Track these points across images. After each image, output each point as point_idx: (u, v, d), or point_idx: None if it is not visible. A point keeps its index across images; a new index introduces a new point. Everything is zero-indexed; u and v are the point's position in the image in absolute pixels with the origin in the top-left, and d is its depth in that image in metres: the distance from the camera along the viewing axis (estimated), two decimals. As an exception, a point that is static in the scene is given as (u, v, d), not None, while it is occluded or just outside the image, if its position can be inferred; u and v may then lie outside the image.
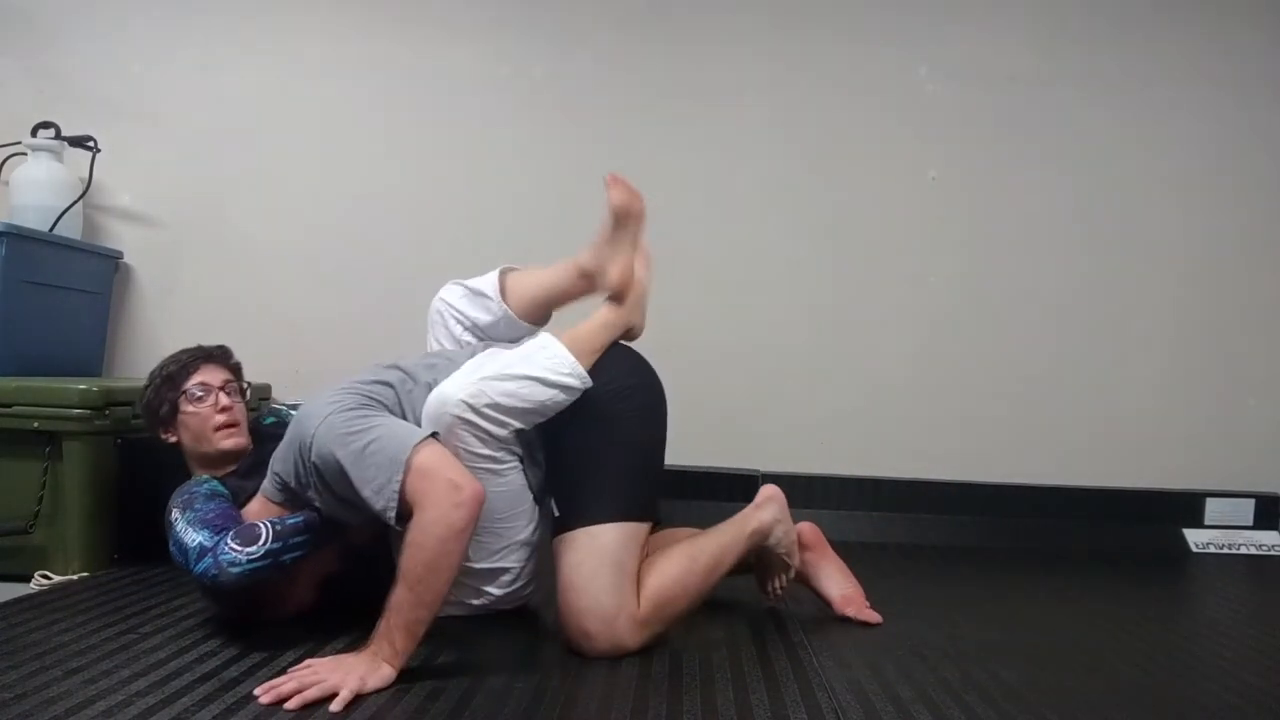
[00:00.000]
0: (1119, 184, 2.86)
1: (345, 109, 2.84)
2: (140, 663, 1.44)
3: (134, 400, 2.11)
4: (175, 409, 1.79)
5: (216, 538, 1.53)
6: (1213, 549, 2.77)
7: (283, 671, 1.41)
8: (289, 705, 1.28)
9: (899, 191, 2.85)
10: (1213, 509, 2.81)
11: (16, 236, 2.36)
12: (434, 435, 1.51)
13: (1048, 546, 2.70)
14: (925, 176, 2.85)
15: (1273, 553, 2.77)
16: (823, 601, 1.87)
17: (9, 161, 2.71)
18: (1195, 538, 2.79)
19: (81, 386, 2.05)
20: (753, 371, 2.82)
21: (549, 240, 2.82)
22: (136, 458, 2.12)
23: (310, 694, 1.30)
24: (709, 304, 2.82)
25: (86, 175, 2.67)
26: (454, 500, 1.41)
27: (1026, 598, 2.17)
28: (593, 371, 1.66)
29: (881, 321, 2.84)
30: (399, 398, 1.64)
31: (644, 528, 1.64)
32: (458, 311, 1.91)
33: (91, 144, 2.67)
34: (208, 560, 1.50)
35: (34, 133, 2.65)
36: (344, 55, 2.84)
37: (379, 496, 1.43)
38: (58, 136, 2.66)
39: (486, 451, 1.60)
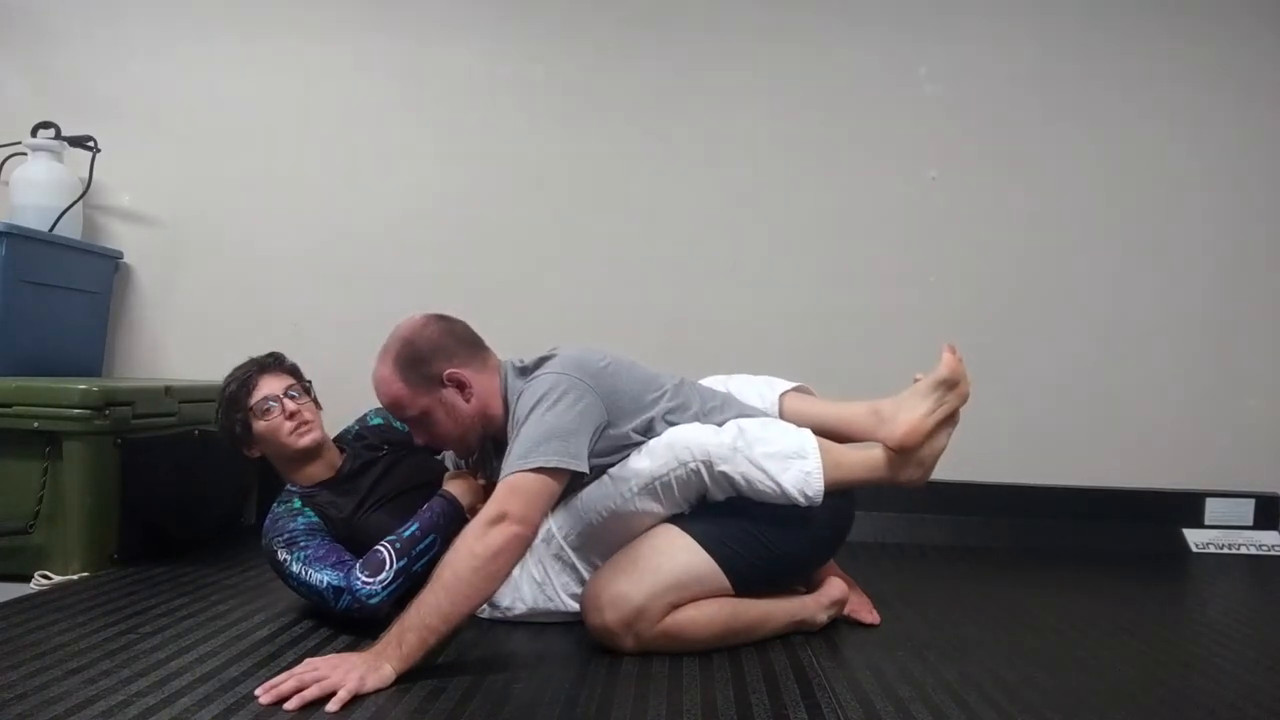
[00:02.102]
0: (1118, 184, 2.86)
1: (345, 109, 2.84)
2: (140, 663, 1.44)
3: (134, 400, 2.12)
4: (248, 427, 1.82)
5: (344, 575, 1.62)
6: (1213, 549, 2.77)
7: (283, 670, 1.41)
8: (288, 705, 1.28)
9: (899, 191, 2.85)
10: (1213, 509, 2.81)
11: (16, 236, 2.36)
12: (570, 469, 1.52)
13: (1048, 546, 2.70)
14: (925, 176, 2.85)
15: (1273, 553, 2.77)
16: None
17: (9, 161, 2.71)
18: (1195, 538, 2.79)
19: (81, 386, 2.05)
20: (752, 371, 2.81)
21: (550, 240, 2.85)
22: (136, 458, 2.12)
23: (309, 693, 1.29)
24: (709, 303, 2.82)
25: (86, 175, 2.67)
26: (519, 533, 1.44)
27: (1026, 598, 2.17)
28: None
29: (881, 321, 2.84)
30: (638, 402, 1.67)
31: (726, 587, 1.61)
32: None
33: (91, 144, 2.67)
34: (346, 599, 1.60)
35: (34, 133, 2.65)
36: (344, 55, 2.84)
37: (506, 462, 1.51)
38: (58, 136, 2.66)
39: (675, 496, 1.62)
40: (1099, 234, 2.86)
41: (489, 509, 1.45)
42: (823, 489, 1.61)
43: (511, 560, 1.46)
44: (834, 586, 1.80)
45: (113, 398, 2.06)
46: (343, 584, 1.61)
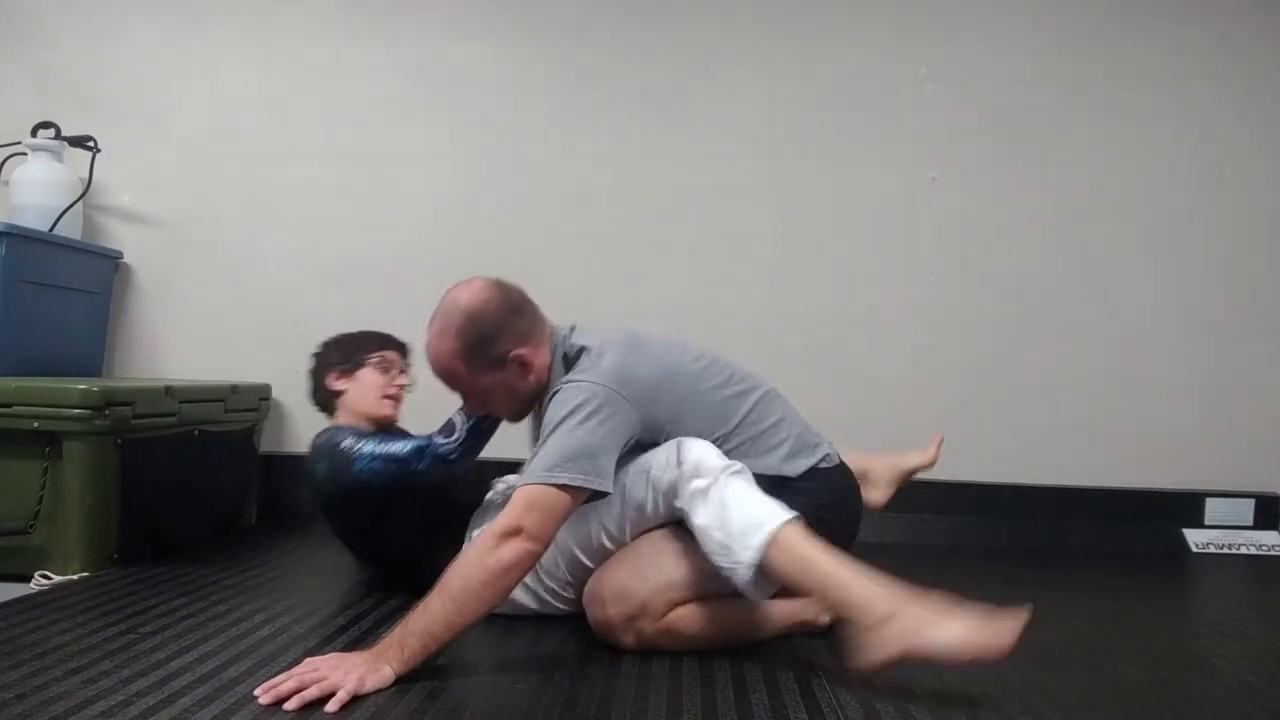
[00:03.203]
0: (1119, 184, 2.86)
1: (345, 109, 2.84)
2: (140, 663, 1.43)
3: (134, 400, 2.12)
4: (358, 365, 2.03)
5: (423, 440, 1.80)
6: (1213, 549, 2.77)
7: (283, 670, 1.41)
8: (288, 706, 1.27)
9: (899, 191, 2.85)
10: (1213, 509, 2.81)
11: (16, 236, 2.36)
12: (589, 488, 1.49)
13: (1048, 546, 2.70)
14: (925, 176, 2.85)
15: (1273, 553, 2.77)
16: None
17: (9, 161, 2.71)
18: (1195, 538, 2.79)
19: (81, 386, 2.05)
20: (752, 371, 2.82)
21: (550, 240, 2.85)
22: (136, 458, 2.12)
23: (309, 694, 1.29)
24: (708, 303, 2.81)
25: (86, 175, 2.67)
26: (531, 549, 1.43)
27: (1026, 598, 2.16)
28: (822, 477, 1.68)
29: (881, 321, 2.84)
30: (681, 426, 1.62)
31: (729, 586, 1.55)
32: None
33: (91, 144, 2.67)
34: (428, 458, 1.78)
35: (34, 133, 2.65)
36: (343, 55, 2.84)
37: (528, 469, 1.49)
38: (58, 136, 2.66)
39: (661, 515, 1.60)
40: (1099, 234, 2.86)
41: (504, 520, 1.44)
42: (753, 571, 1.46)
43: (520, 575, 1.45)
44: None
45: (113, 398, 2.06)
46: (424, 444, 1.78)
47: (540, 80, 2.84)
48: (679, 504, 1.55)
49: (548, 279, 2.86)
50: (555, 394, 1.58)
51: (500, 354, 1.63)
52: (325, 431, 1.93)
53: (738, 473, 1.55)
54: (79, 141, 2.67)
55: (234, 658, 1.48)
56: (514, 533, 1.42)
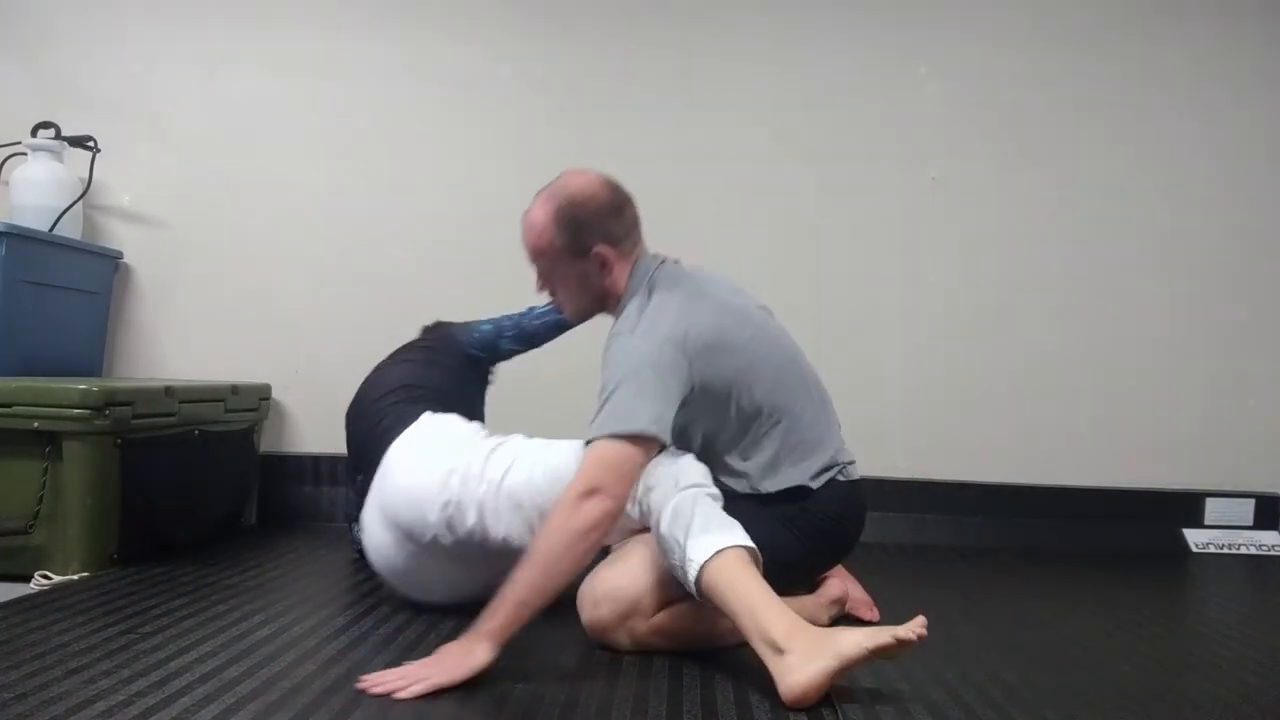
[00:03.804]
0: (1119, 184, 2.86)
1: (345, 109, 2.84)
2: (140, 663, 1.43)
3: (134, 400, 2.11)
4: None
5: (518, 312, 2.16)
6: (1213, 549, 2.77)
7: (283, 671, 1.42)
8: (374, 690, 1.34)
9: (899, 191, 2.85)
10: (1213, 509, 2.81)
11: (16, 236, 2.36)
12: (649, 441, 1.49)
13: (1048, 546, 2.71)
14: (925, 176, 2.85)
15: (1273, 553, 2.77)
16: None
17: (9, 161, 2.71)
18: (1195, 538, 2.79)
19: (81, 386, 2.05)
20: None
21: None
22: (136, 458, 2.12)
23: (394, 684, 1.34)
24: (709, 304, 2.81)
25: (86, 175, 2.67)
26: (610, 509, 1.43)
27: (1027, 597, 2.17)
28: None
29: (881, 321, 2.84)
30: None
31: None
32: None
33: (91, 144, 2.67)
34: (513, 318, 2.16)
35: (34, 133, 2.65)
36: (343, 55, 2.84)
37: (594, 420, 1.49)
38: (58, 136, 2.66)
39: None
40: (1099, 234, 2.86)
41: (580, 482, 1.44)
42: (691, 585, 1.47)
43: (603, 535, 1.46)
44: (833, 586, 1.79)
45: (113, 398, 2.06)
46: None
47: (540, 80, 2.84)
48: (653, 504, 1.54)
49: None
50: (618, 337, 1.58)
51: (589, 244, 1.65)
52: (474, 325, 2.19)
53: (712, 496, 1.56)
54: (79, 141, 2.67)
55: (234, 658, 1.48)
56: (591, 492, 1.43)
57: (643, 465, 1.50)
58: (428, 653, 1.45)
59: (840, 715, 1.34)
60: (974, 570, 2.45)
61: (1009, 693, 1.45)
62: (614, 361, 1.55)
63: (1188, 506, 2.81)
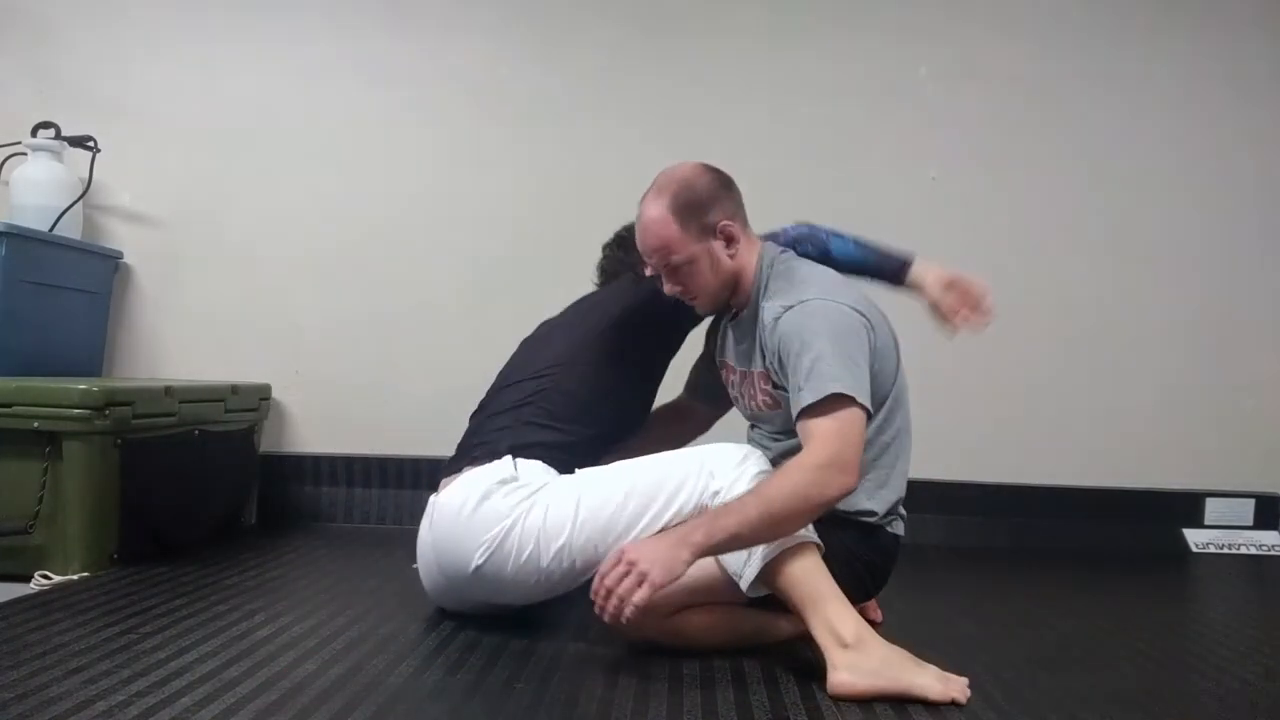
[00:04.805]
0: (1119, 184, 2.86)
1: (345, 109, 2.83)
2: (140, 663, 1.44)
3: (134, 400, 2.11)
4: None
5: None
6: (1213, 549, 2.77)
7: (283, 671, 1.41)
8: (607, 615, 1.39)
9: (899, 191, 2.85)
10: (1213, 509, 2.81)
11: (16, 236, 2.36)
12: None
13: (1048, 546, 2.71)
14: (925, 176, 2.85)
15: (1273, 553, 2.77)
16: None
17: (9, 161, 2.71)
18: (1195, 538, 2.79)
19: (81, 386, 2.05)
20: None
21: (550, 241, 2.84)
22: (136, 458, 2.12)
23: (611, 606, 1.38)
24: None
25: (86, 175, 2.67)
26: (848, 484, 1.44)
27: (1026, 597, 2.17)
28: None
29: (881, 321, 2.84)
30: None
31: (738, 596, 1.55)
32: None
33: (91, 144, 2.67)
34: None
35: (34, 133, 2.65)
36: (343, 56, 2.83)
37: (805, 386, 1.47)
38: (58, 136, 2.66)
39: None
40: (1099, 234, 2.86)
41: (824, 450, 1.44)
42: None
43: (834, 505, 1.47)
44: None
45: (113, 398, 2.06)
46: None
47: (539, 80, 2.84)
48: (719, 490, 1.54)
49: (549, 281, 2.88)
50: (793, 308, 1.56)
51: (712, 222, 1.64)
52: None
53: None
54: (79, 141, 2.67)
55: (234, 658, 1.48)
56: (833, 464, 1.43)
57: (864, 430, 1.50)
58: (428, 654, 1.46)
59: (840, 714, 1.34)
60: (973, 570, 2.45)
61: (1009, 693, 1.45)
62: (805, 325, 1.53)
63: (1188, 506, 2.81)
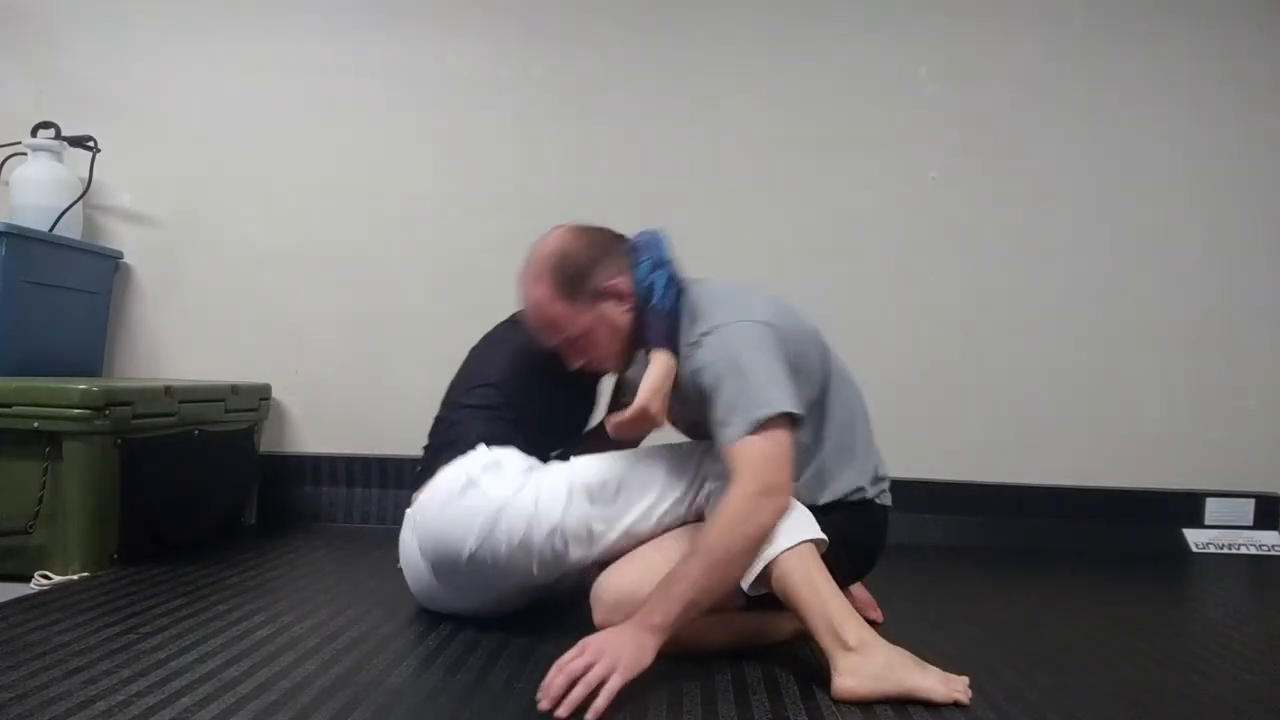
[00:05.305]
0: (1119, 184, 2.86)
1: (345, 109, 2.83)
2: (140, 663, 1.44)
3: (134, 400, 2.11)
4: None
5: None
6: (1213, 549, 2.77)
7: (283, 671, 1.41)
8: (559, 714, 1.27)
9: (899, 191, 2.85)
10: (1213, 509, 2.81)
11: (16, 236, 2.36)
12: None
13: (1048, 546, 2.71)
14: (925, 176, 2.85)
15: (1273, 553, 2.77)
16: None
17: (9, 161, 2.71)
18: (1195, 538, 2.79)
19: (81, 386, 2.05)
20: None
21: (549, 240, 2.85)
22: (136, 458, 2.12)
23: (576, 695, 1.28)
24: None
25: (86, 175, 2.67)
26: (783, 505, 1.45)
27: (1027, 598, 2.17)
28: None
29: (881, 321, 2.84)
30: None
31: (735, 596, 1.53)
32: None
33: (91, 144, 2.67)
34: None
35: (34, 133, 2.65)
36: (343, 55, 2.83)
37: (729, 421, 1.45)
38: (58, 136, 2.66)
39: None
40: (1099, 234, 2.86)
41: (751, 481, 1.43)
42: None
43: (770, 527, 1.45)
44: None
45: (113, 398, 2.06)
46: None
47: (539, 80, 2.84)
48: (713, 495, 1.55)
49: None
50: (708, 335, 1.53)
51: (597, 286, 1.62)
52: None
53: None
54: (79, 141, 2.67)
55: (234, 658, 1.48)
56: (764, 492, 1.43)
57: (793, 445, 1.48)
58: (428, 654, 1.46)
59: (840, 716, 1.34)
60: (974, 570, 2.45)
61: (1009, 693, 1.45)
62: (716, 357, 1.51)
63: (1188, 506, 2.81)
